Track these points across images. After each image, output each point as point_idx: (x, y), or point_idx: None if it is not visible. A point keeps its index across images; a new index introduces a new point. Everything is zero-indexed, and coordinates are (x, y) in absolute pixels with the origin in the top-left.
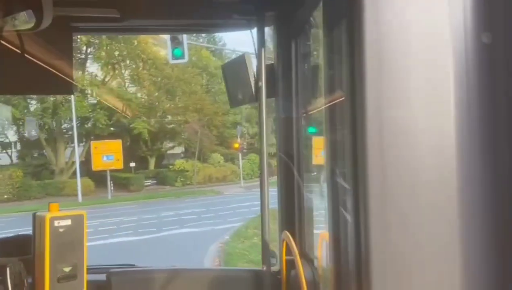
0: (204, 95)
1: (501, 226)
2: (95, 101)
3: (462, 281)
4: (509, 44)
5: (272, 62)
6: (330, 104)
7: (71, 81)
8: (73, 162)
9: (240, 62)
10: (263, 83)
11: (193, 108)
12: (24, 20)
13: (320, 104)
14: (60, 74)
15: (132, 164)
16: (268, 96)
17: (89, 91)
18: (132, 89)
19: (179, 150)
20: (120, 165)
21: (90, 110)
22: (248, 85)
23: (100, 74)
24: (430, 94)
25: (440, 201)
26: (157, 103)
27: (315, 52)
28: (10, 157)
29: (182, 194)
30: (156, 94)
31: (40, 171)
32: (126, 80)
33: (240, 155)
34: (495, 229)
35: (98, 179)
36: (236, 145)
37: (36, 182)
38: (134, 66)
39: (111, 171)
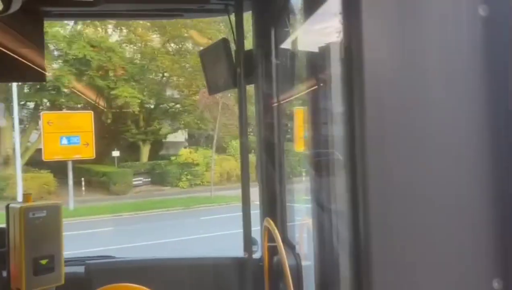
0: None
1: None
2: (56, 52)
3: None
4: None
5: (251, 48)
6: (311, 90)
7: (42, 67)
8: (28, 149)
9: (218, 47)
10: (241, 70)
11: None
12: None
13: (301, 91)
14: (31, 61)
15: (115, 153)
16: (247, 82)
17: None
18: (115, 36)
19: (182, 136)
20: (90, 154)
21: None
22: (227, 72)
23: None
24: (436, 89)
25: (447, 200)
26: (154, 61)
27: (294, 38)
28: None
29: (191, 201)
30: (152, 43)
31: None
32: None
33: None
34: (503, 230)
35: (65, 174)
36: None
37: None
38: None
39: (79, 162)
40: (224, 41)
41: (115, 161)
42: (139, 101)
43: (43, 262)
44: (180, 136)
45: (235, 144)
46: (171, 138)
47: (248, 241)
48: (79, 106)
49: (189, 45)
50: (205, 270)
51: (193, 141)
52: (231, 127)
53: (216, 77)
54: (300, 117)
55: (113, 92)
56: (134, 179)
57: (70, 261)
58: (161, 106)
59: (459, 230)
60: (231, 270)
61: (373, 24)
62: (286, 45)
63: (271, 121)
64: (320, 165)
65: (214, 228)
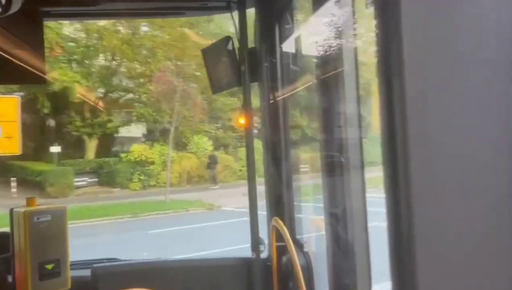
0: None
1: None
2: None
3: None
4: None
5: (254, 46)
6: (322, 87)
7: (42, 68)
8: None
9: (222, 46)
10: (246, 67)
11: (165, 54)
12: None
13: (309, 87)
14: (31, 62)
15: (55, 149)
16: (252, 80)
17: None
18: None
19: (139, 130)
20: (14, 149)
21: None
22: (231, 70)
23: None
24: (478, 88)
25: (494, 197)
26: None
27: (300, 34)
28: None
29: (141, 206)
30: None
31: None
32: None
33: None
34: None
35: None
36: (241, 121)
37: None
38: None
39: (11, 158)
40: (227, 39)
41: (54, 158)
42: (84, 87)
43: (49, 266)
44: (136, 130)
45: (198, 139)
46: (124, 132)
47: (256, 241)
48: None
49: (144, 28)
50: (212, 271)
51: (152, 136)
52: (193, 120)
53: (219, 75)
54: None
55: (49, 74)
56: (77, 179)
57: (76, 265)
58: (111, 94)
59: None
60: (239, 270)
61: (413, 13)
62: (291, 41)
63: (277, 119)
64: (335, 166)
65: (162, 250)
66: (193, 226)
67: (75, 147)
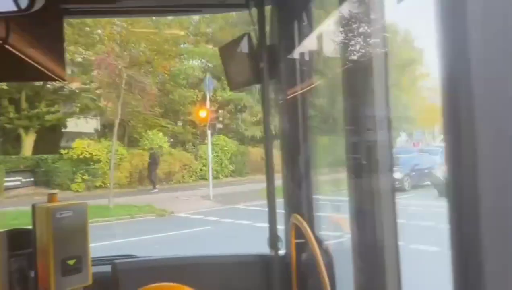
0: None
1: None
2: None
3: None
4: None
5: (272, 43)
6: (347, 84)
7: (63, 65)
8: None
9: (240, 43)
10: (265, 65)
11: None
12: (14, 3)
13: (331, 85)
14: (51, 60)
15: None
16: (270, 77)
17: None
18: None
19: (88, 125)
20: None
21: None
22: (249, 67)
23: None
24: None
25: None
26: None
27: (318, 31)
28: None
29: None
30: None
31: None
32: None
33: (209, 133)
34: None
35: None
36: (202, 114)
37: None
38: None
39: None
40: (246, 36)
41: None
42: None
43: (71, 262)
44: (85, 125)
45: (152, 135)
46: (71, 126)
47: (274, 238)
48: None
49: None
50: (230, 267)
51: (107, 132)
52: (145, 112)
53: (238, 73)
54: None
55: None
56: (8, 179)
57: (97, 261)
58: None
59: None
60: (257, 267)
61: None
62: (310, 38)
63: (295, 115)
64: (362, 164)
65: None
66: (138, 239)
67: (9, 143)
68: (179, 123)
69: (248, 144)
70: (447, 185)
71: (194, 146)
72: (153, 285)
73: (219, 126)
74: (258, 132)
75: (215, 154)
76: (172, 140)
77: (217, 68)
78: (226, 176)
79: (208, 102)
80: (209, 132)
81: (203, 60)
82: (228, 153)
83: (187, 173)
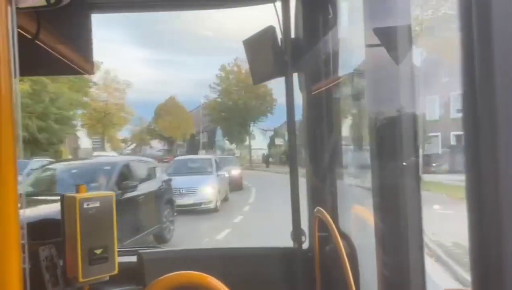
0: None
1: None
2: None
3: None
4: None
5: (296, 36)
6: (373, 78)
7: (91, 59)
8: None
9: (264, 36)
10: (289, 58)
11: None
12: None
13: (357, 78)
14: (80, 54)
15: None
16: (295, 70)
17: None
18: None
19: None
20: None
21: None
22: (273, 60)
23: None
24: None
25: None
26: None
27: (345, 23)
28: None
29: None
30: None
31: None
32: None
33: None
34: None
35: None
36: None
37: None
38: None
39: None
40: (270, 28)
41: None
42: None
43: (98, 252)
44: None
45: None
46: None
47: (298, 231)
48: None
49: None
50: (253, 260)
51: None
52: None
53: (261, 66)
54: None
55: None
56: None
57: (123, 251)
58: None
59: None
60: (281, 260)
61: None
62: (335, 31)
63: (320, 109)
64: (387, 159)
65: None
66: None
67: None
68: None
69: None
70: (467, 187)
71: None
72: (174, 273)
73: None
74: None
75: None
76: None
77: None
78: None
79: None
80: None
81: None
82: None
83: None
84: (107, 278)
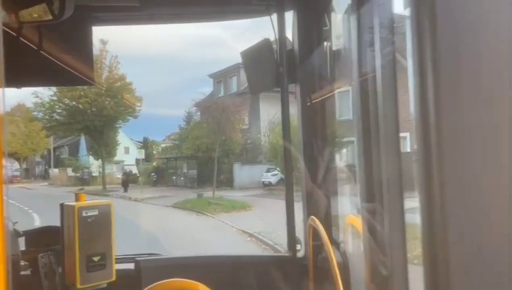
0: None
1: None
2: None
3: None
4: None
5: (291, 47)
6: (361, 89)
7: (91, 71)
8: None
9: (261, 47)
10: (284, 69)
11: None
12: (45, 11)
13: (347, 90)
14: (81, 66)
15: None
16: (290, 82)
17: None
18: None
19: None
20: None
21: None
22: (270, 71)
23: None
24: None
25: None
26: None
27: (338, 36)
28: None
29: None
30: None
31: None
32: None
33: None
34: None
35: None
36: None
37: None
38: None
39: None
40: (266, 41)
41: None
42: None
43: (96, 259)
44: None
45: None
46: None
47: (292, 240)
48: None
49: None
50: (249, 267)
51: None
52: None
53: (258, 77)
54: None
55: None
56: None
57: (120, 258)
58: None
59: None
60: (276, 268)
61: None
62: (330, 43)
63: (314, 120)
64: (373, 166)
65: None
66: None
67: None
68: None
69: None
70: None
71: None
72: (166, 280)
73: None
74: None
75: None
76: None
77: None
78: None
79: None
80: None
81: None
82: None
83: None
84: (105, 285)
